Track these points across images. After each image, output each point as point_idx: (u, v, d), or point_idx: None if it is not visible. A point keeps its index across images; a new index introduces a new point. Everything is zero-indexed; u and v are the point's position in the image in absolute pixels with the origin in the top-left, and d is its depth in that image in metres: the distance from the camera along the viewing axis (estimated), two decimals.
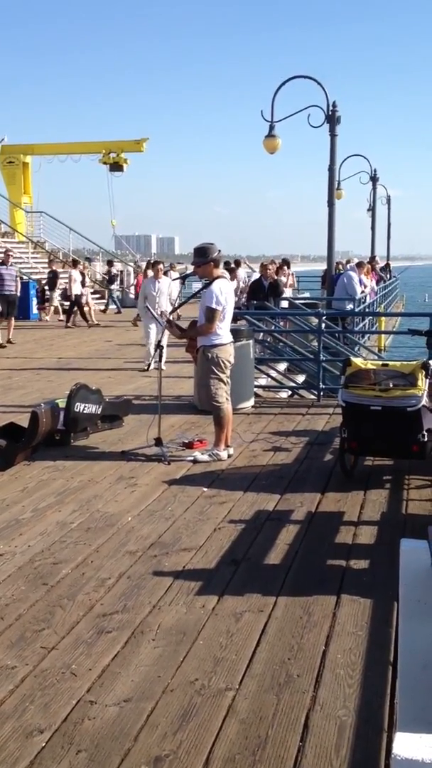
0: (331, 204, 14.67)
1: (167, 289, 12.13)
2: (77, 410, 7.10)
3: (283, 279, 16.41)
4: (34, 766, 2.68)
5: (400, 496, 5.72)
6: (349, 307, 15.35)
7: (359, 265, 18.30)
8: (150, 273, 13.06)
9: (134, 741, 2.80)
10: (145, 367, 11.41)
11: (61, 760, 2.71)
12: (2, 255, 15.92)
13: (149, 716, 2.95)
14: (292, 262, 21.72)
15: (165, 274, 12.86)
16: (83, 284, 19.85)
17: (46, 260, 27.46)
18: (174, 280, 12.82)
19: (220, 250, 6.73)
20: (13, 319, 15.92)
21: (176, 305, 12.87)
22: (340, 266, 16.52)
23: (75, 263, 21.28)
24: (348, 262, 18.45)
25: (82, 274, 20.45)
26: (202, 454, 6.69)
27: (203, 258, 6.62)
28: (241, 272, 19.17)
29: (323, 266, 17.97)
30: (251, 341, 9.08)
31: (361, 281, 16.21)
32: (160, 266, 12.67)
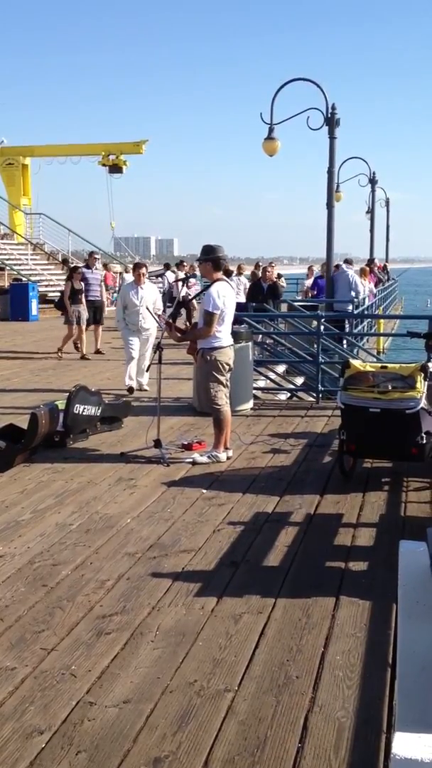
0: (330, 206, 14.67)
1: (152, 298, 9.99)
2: (76, 412, 7.11)
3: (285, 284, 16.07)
4: (33, 766, 2.69)
5: (399, 498, 5.73)
6: (349, 308, 15.38)
7: (349, 262, 18.28)
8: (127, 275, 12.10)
9: (134, 742, 2.81)
10: (126, 390, 9.82)
11: (60, 760, 2.71)
12: (87, 258, 14.82)
13: (148, 717, 2.96)
14: (291, 265, 21.63)
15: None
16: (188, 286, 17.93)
17: (45, 262, 27.46)
18: (177, 281, 11.99)
19: (224, 254, 6.75)
20: (100, 327, 14.43)
21: (174, 306, 12.74)
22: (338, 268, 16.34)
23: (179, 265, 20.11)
24: (346, 262, 18.38)
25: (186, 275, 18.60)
26: (201, 455, 6.70)
27: (204, 256, 6.66)
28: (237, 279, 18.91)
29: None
30: (250, 343, 9.09)
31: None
32: (143, 270, 10.16)
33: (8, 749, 2.77)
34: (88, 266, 14.81)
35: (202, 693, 3.12)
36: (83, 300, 13.72)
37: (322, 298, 16.15)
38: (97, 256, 15.56)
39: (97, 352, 14.00)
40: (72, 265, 15.47)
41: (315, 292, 16.50)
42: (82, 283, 13.84)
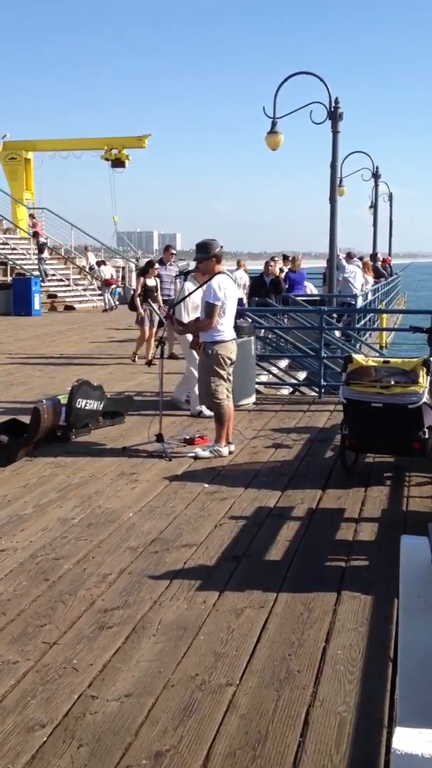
0: (332, 201, 14.63)
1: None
2: (79, 406, 7.11)
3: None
4: (35, 760, 2.70)
5: (401, 493, 5.73)
6: (352, 303, 15.37)
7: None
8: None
9: (135, 736, 2.82)
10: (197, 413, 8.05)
11: (62, 754, 2.72)
12: (163, 253, 13.29)
13: (150, 711, 2.96)
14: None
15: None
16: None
17: (48, 256, 27.41)
18: (176, 276, 11.28)
19: (222, 246, 6.74)
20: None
21: (176, 301, 12.61)
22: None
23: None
24: (349, 256, 18.27)
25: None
26: (204, 450, 6.70)
27: (205, 254, 6.63)
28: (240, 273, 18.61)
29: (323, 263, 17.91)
30: (253, 338, 9.08)
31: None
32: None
33: (10, 743, 2.78)
34: (162, 262, 13.24)
35: (204, 687, 3.13)
36: (160, 299, 12.14)
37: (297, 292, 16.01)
38: (173, 251, 13.84)
39: (150, 363, 11.79)
40: (147, 260, 14.05)
41: (287, 286, 16.08)
42: (157, 280, 12.34)
